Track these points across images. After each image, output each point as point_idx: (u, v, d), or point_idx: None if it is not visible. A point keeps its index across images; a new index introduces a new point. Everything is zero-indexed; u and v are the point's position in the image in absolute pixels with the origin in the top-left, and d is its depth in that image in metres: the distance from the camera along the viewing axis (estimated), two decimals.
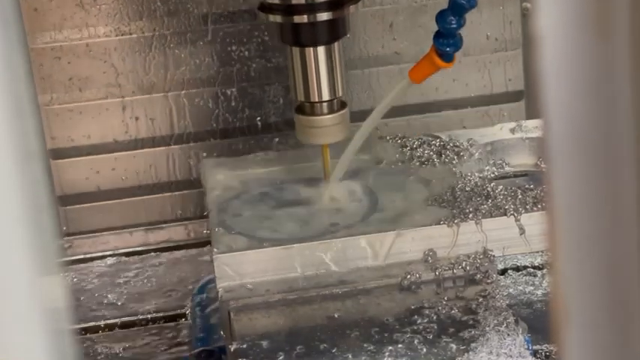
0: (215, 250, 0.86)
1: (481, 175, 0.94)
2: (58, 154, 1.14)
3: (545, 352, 0.85)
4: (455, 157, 0.97)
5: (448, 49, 0.87)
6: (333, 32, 0.90)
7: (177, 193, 1.16)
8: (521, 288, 0.90)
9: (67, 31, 1.11)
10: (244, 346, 0.79)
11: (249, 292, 0.84)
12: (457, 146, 0.98)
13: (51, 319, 0.37)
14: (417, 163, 0.97)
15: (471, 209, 0.88)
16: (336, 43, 0.90)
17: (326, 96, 0.91)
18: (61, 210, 1.14)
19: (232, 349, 0.80)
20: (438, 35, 0.87)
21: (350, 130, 0.93)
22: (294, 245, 0.86)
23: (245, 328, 0.81)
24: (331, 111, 0.91)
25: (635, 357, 0.39)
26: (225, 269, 0.85)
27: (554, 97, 0.37)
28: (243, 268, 0.85)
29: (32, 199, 0.35)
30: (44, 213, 0.36)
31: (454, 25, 0.86)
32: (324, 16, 0.88)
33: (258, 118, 1.14)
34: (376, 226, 0.88)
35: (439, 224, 0.87)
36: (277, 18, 0.89)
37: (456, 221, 0.87)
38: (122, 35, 1.12)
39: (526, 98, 1.16)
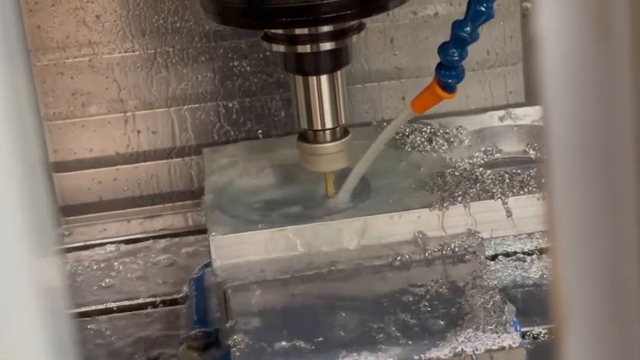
0: (212, 232, 0.88)
1: (471, 162, 0.97)
2: (61, 166, 1.15)
3: (534, 334, 0.86)
4: (445, 144, 1.00)
5: (450, 80, 0.88)
6: (337, 61, 0.90)
7: (178, 203, 1.16)
8: (510, 272, 0.91)
9: (71, 48, 1.12)
10: (239, 324, 0.81)
11: (245, 272, 0.86)
12: (447, 133, 1.01)
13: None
14: (409, 149, 1.00)
15: (459, 193, 0.91)
16: (339, 71, 0.91)
17: (329, 124, 0.91)
18: (62, 220, 1.15)
19: (227, 327, 0.82)
20: (440, 67, 0.88)
21: (352, 157, 0.93)
22: (289, 227, 0.88)
23: (240, 307, 0.83)
24: (334, 139, 0.92)
25: (635, 357, 0.39)
26: (220, 250, 0.87)
27: (554, 97, 0.37)
28: (239, 250, 0.88)
29: (31, 195, 0.36)
30: (42, 204, 0.37)
31: (456, 58, 0.87)
32: (327, 45, 0.89)
33: (260, 131, 1.15)
34: (368, 209, 0.90)
35: (429, 207, 0.89)
36: (280, 48, 0.90)
37: (445, 204, 0.89)
38: (125, 52, 1.13)
39: None
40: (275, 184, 0.97)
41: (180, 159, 1.16)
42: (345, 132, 0.93)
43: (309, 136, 0.92)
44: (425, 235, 0.89)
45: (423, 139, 1.01)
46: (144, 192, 1.16)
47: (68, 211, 1.15)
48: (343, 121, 0.92)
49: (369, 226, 0.89)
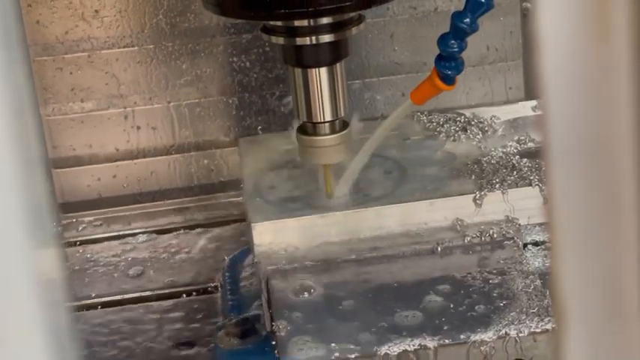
0: (253, 219, 0.89)
1: (504, 150, 0.98)
2: (60, 163, 1.15)
3: None
4: (479, 133, 1.01)
5: (450, 72, 0.88)
6: (336, 53, 0.90)
7: (177, 200, 1.16)
8: (540, 260, 0.91)
9: (70, 43, 1.12)
10: (281, 309, 0.82)
11: (286, 258, 0.88)
12: (481, 122, 1.02)
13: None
14: (444, 138, 1.01)
15: (497, 180, 0.92)
16: (338, 64, 0.91)
17: (328, 116, 0.91)
18: (62, 216, 1.15)
19: (269, 313, 0.84)
20: (439, 58, 0.88)
21: (351, 150, 0.94)
22: (329, 214, 0.90)
23: (282, 293, 0.84)
24: (333, 131, 0.92)
25: (635, 357, 0.39)
26: (262, 237, 0.88)
27: (555, 97, 0.37)
28: (279, 236, 0.89)
29: (31, 188, 0.36)
30: (42, 197, 0.37)
31: (455, 49, 0.87)
32: (326, 38, 0.89)
33: (259, 127, 1.15)
34: (407, 195, 0.92)
35: (467, 194, 0.91)
36: (280, 40, 0.90)
37: (483, 192, 0.91)
38: (124, 47, 1.13)
39: None
40: (312, 171, 0.97)
41: (179, 155, 1.16)
42: (345, 125, 0.93)
43: (308, 129, 0.92)
44: (463, 222, 0.90)
45: (457, 129, 1.02)
46: (143, 189, 1.16)
47: (67, 207, 1.15)
48: (342, 114, 0.92)
49: (409, 213, 0.90)
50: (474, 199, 0.90)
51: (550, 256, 0.40)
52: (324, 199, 0.93)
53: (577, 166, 0.37)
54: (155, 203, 1.16)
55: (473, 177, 0.93)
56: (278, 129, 1.14)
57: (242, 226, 1.07)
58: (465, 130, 1.01)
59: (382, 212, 0.90)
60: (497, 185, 0.92)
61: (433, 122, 1.03)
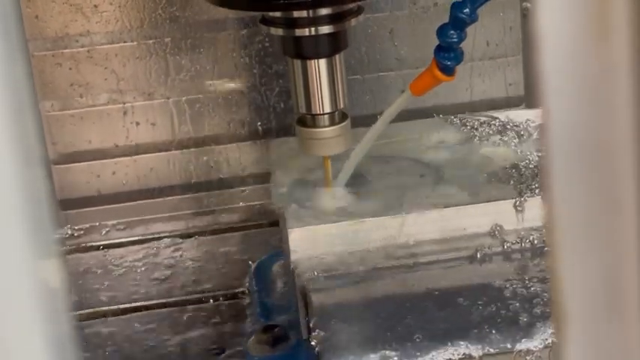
0: (289, 224, 0.88)
1: (540, 155, 0.97)
2: (59, 159, 1.15)
3: None
4: (515, 137, 1.00)
5: (449, 62, 0.88)
6: (335, 44, 0.90)
7: (177, 197, 1.16)
8: None
9: (68, 39, 1.12)
10: (321, 318, 0.81)
11: (322, 265, 0.86)
12: (517, 126, 1.01)
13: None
14: (479, 142, 1.00)
15: (536, 185, 0.91)
16: (337, 55, 0.91)
17: (327, 108, 0.91)
18: (62, 214, 1.15)
19: (307, 322, 0.82)
20: (438, 49, 0.88)
21: (351, 141, 0.93)
22: (366, 219, 0.88)
23: (321, 301, 0.83)
24: (332, 123, 0.92)
25: (635, 357, 0.39)
26: (299, 243, 0.87)
27: (554, 97, 0.37)
28: (317, 242, 0.88)
29: (32, 194, 0.36)
30: (43, 203, 0.37)
31: (455, 39, 0.87)
32: (325, 29, 0.89)
33: (259, 123, 1.15)
34: (445, 201, 0.90)
35: (506, 199, 0.89)
36: (279, 31, 0.89)
37: (523, 197, 0.89)
38: (123, 42, 1.12)
39: (526, 103, 1.17)
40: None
41: (179, 151, 1.16)
42: (344, 116, 0.93)
43: (307, 121, 0.92)
44: (502, 228, 0.89)
45: (492, 132, 1.01)
46: (143, 185, 1.16)
47: (66, 204, 1.15)
48: (342, 106, 0.92)
49: (447, 219, 0.89)
50: (514, 205, 0.89)
51: (550, 257, 0.40)
52: (360, 204, 0.91)
53: (577, 167, 0.37)
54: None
55: (511, 182, 0.92)
56: (278, 125, 1.14)
57: (270, 230, 1.06)
58: (500, 133, 1.00)
59: (419, 218, 0.88)
60: (537, 190, 0.90)
61: (467, 125, 1.02)
